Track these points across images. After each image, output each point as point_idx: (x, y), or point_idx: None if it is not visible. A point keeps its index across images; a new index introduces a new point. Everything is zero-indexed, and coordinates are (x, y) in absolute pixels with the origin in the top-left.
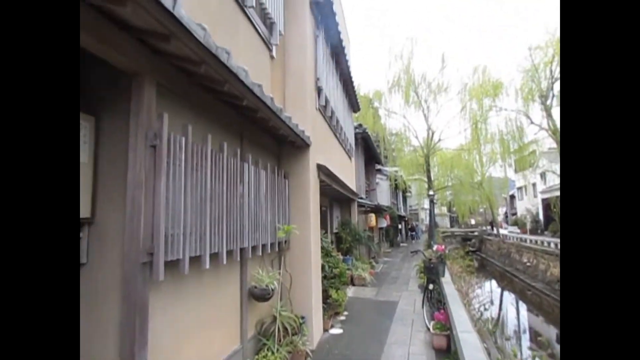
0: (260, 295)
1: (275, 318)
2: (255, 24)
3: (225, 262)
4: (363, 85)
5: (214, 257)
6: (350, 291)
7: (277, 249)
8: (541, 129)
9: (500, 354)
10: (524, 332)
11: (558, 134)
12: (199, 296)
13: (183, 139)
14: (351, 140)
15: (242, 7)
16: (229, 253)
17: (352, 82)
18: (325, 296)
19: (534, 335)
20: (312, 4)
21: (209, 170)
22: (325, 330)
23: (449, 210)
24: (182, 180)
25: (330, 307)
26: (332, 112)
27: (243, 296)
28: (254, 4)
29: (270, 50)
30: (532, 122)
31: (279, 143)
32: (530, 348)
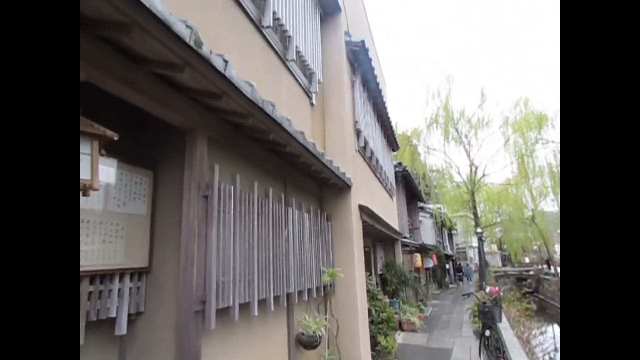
0: (307, 343)
1: None
2: (296, 75)
3: (272, 308)
4: (400, 123)
5: (262, 303)
6: (400, 337)
7: (322, 293)
8: None
9: None
10: None
11: None
12: (247, 343)
13: (232, 188)
14: (391, 179)
15: (284, 61)
16: (276, 299)
17: (389, 122)
18: (374, 343)
19: None
20: (349, 52)
21: (256, 216)
22: None
23: (500, 248)
24: (232, 228)
25: (380, 355)
26: (372, 153)
27: (290, 343)
28: (295, 57)
29: (310, 98)
30: None
31: (320, 186)
32: None
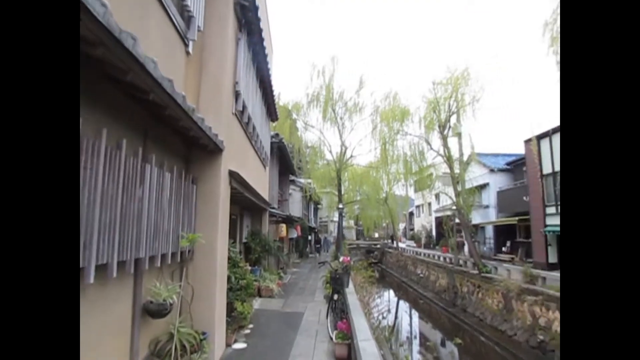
0: (156, 311)
1: (172, 335)
2: (171, 14)
3: (115, 274)
4: (283, 95)
5: (102, 269)
6: (257, 303)
7: (179, 260)
8: (438, 154)
9: (394, 359)
10: (415, 337)
11: (451, 161)
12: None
13: None
14: (267, 149)
15: None
16: (122, 264)
17: (272, 91)
18: (230, 309)
19: (424, 340)
20: (237, 5)
21: (102, 168)
22: (228, 345)
23: (356, 223)
24: None
25: (235, 321)
26: (250, 119)
27: (136, 313)
28: None
29: (186, 45)
30: (431, 148)
31: (189, 146)
32: (420, 352)
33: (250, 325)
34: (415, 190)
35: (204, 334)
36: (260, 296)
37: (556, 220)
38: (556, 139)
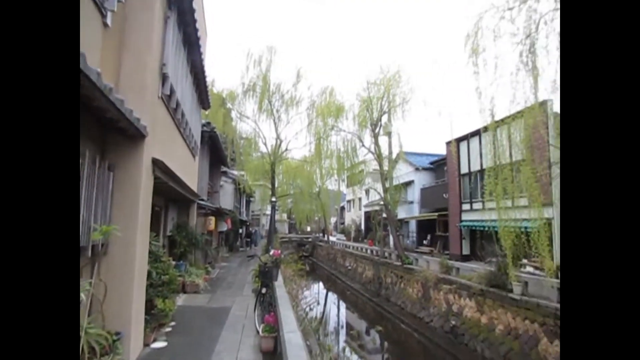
0: None
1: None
2: None
3: None
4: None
5: None
6: (181, 299)
7: (89, 254)
8: (369, 151)
9: (321, 349)
10: (342, 327)
11: (381, 158)
12: None
13: None
14: (197, 138)
15: None
16: None
17: (204, 77)
18: (151, 306)
19: (349, 329)
20: None
21: None
22: (147, 344)
23: (289, 217)
24: None
25: (155, 319)
26: (178, 104)
27: None
28: None
29: (103, 15)
30: (363, 145)
31: (105, 129)
32: (346, 341)
33: (172, 323)
34: (347, 185)
35: (117, 334)
36: (185, 292)
37: (470, 216)
38: (473, 142)
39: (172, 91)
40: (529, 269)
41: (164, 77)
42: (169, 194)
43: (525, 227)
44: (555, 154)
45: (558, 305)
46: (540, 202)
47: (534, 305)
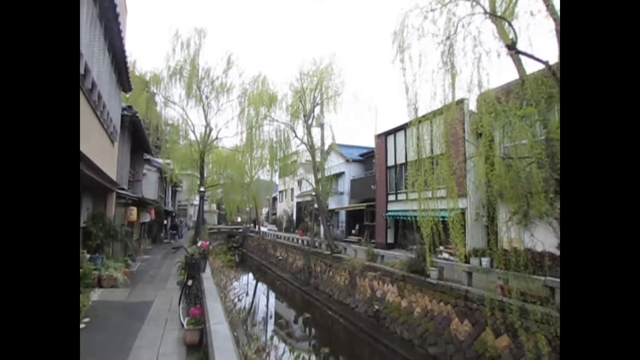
0: None
1: None
2: None
3: None
4: (140, 64)
5: None
6: (96, 294)
7: None
8: (302, 142)
9: (248, 339)
10: (271, 317)
11: (313, 149)
12: None
13: None
14: (117, 122)
15: None
16: None
17: (124, 57)
18: None
19: (278, 318)
20: None
21: None
22: None
23: (219, 207)
24: None
25: None
26: (94, 85)
27: None
28: None
29: None
30: (296, 136)
31: None
32: (274, 330)
33: (86, 319)
34: (280, 176)
35: None
36: (100, 287)
37: (395, 207)
38: (399, 136)
39: (87, 70)
40: (445, 255)
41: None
42: (83, 181)
43: (443, 217)
44: (469, 149)
45: (467, 288)
46: (456, 194)
47: (447, 288)
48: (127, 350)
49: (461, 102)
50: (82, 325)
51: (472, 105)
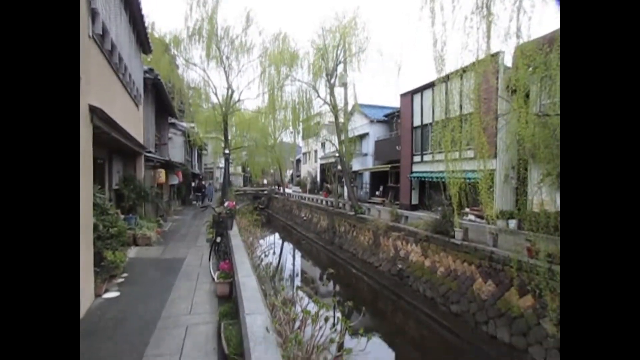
0: None
1: None
2: None
3: None
4: (159, 26)
5: None
6: (133, 252)
7: None
8: (325, 103)
9: (275, 292)
10: (297, 275)
11: (337, 110)
12: None
13: None
14: (139, 85)
15: None
16: None
17: (142, 16)
18: (100, 259)
19: (304, 275)
20: None
21: None
22: (98, 295)
23: (244, 170)
24: None
25: (105, 270)
26: (114, 47)
27: None
28: None
29: None
30: (318, 96)
31: None
32: (299, 286)
33: (125, 274)
34: (303, 138)
35: None
36: (136, 245)
37: (420, 168)
38: (426, 94)
39: (104, 30)
40: (471, 217)
41: (93, 12)
42: (111, 145)
43: (470, 178)
44: (501, 107)
45: (493, 249)
46: (487, 152)
47: (472, 249)
48: (164, 301)
49: (496, 55)
50: (121, 279)
51: (507, 60)
